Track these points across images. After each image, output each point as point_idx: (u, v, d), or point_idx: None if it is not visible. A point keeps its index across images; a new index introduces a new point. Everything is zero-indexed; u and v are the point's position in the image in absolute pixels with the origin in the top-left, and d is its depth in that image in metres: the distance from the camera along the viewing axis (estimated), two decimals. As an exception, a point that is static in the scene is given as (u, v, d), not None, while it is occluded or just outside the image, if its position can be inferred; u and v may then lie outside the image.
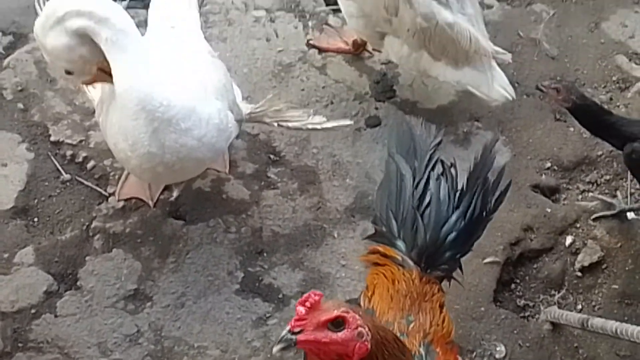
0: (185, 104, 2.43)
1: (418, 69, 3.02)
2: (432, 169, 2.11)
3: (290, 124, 2.84)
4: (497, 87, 2.95)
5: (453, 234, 2.09)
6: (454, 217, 2.08)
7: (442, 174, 2.11)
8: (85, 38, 2.30)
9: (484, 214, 2.15)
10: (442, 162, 2.16)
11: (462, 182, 2.13)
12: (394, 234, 2.15)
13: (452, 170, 2.14)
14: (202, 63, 2.66)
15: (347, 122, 2.94)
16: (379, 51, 3.20)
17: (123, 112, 2.39)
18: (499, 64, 3.00)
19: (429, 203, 2.09)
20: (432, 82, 3.26)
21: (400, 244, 2.14)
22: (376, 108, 3.25)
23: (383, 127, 3.20)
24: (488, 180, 2.12)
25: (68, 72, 2.42)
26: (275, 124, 2.86)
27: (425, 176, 2.09)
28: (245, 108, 2.82)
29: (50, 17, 2.28)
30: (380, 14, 2.86)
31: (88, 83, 2.53)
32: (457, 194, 2.11)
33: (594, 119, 2.73)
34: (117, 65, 2.31)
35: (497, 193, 2.17)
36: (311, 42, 3.40)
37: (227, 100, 2.63)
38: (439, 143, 2.17)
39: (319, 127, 2.85)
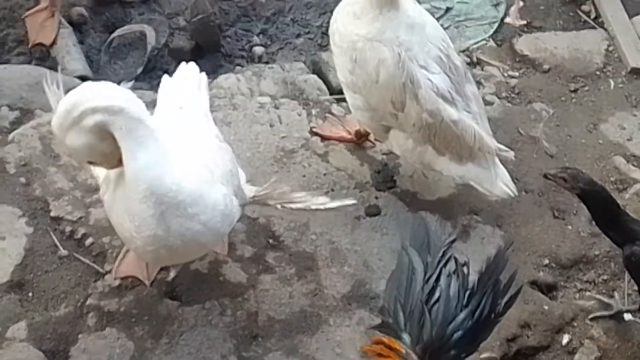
0: (194, 189, 2.45)
1: (422, 163, 3.06)
2: (445, 265, 2.12)
3: (293, 206, 2.85)
4: (500, 184, 3.00)
5: (459, 333, 2.09)
6: (461, 316, 2.09)
7: (454, 271, 2.12)
8: (104, 133, 2.30)
9: (493, 315, 2.16)
10: (455, 259, 2.17)
11: (473, 281, 2.14)
12: (400, 326, 2.15)
13: (464, 268, 2.15)
14: (209, 147, 2.69)
15: (351, 201, 2.96)
16: (381, 141, 3.25)
17: (131, 194, 2.40)
18: (500, 160, 3.05)
19: (438, 299, 2.10)
20: (432, 174, 3.30)
21: (405, 337, 2.14)
22: (376, 197, 3.28)
23: (382, 216, 3.22)
24: (499, 282, 2.13)
25: (90, 162, 2.45)
26: (279, 206, 2.87)
27: (437, 272, 2.11)
28: (249, 191, 2.84)
29: (66, 118, 2.27)
30: (386, 109, 2.92)
31: (110, 169, 2.54)
32: (467, 293, 2.12)
33: (602, 206, 2.76)
34: (128, 150, 2.31)
35: (508, 296, 2.18)
36: (314, 129, 3.46)
37: (232, 185, 2.65)
38: (454, 241, 2.19)
39: (322, 207, 2.86)
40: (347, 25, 2.88)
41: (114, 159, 2.40)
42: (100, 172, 2.77)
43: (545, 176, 2.84)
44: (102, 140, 2.31)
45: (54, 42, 3.81)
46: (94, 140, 2.30)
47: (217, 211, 2.52)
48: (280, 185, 2.88)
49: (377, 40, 2.83)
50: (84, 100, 2.26)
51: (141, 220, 2.42)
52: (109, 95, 2.28)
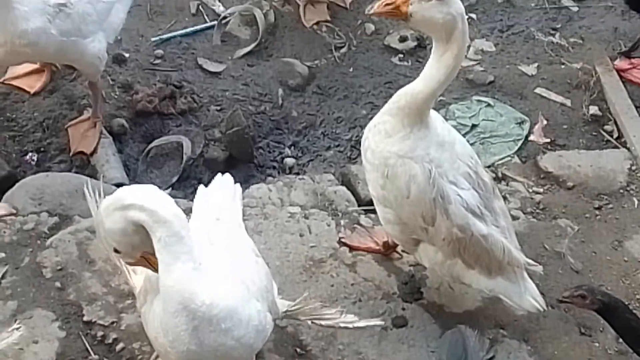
0: (228, 304, 2.48)
1: (451, 276, 3.10)
2: (481, 383, 2.13)
3: (323, 322, 2.93)
4: (529, 298, 3.02)
5: None
6: None
7: (489, 389, 2.13)
8: (140, 228, 2.40)
9: None
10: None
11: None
12: None
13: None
14: (246, 262, 2.74)
15: (378, 322, 3.05)
16: (409, 253, 3.30)
17: (165, 308, 2.46)
18: (528, 274, 3.09)
19: (472, 417, 2.09)
20: (459, 286, 3.32)
21: None
22: (403, 309, 3.30)
23: (409, 327, 3.24)
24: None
25: (116, 251, 2.51)
26: (310, 322, 2.94)
27: (472, 390, 2.11)
28: (282, 305, 2.90)
29: (117, 201, 2.40)
30: (417, 223, 2.98)
31: (130, 265, 2.63)
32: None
33: (624, 319, 2.76)
34: (164, 263, 2.39)
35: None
36: (343, 240, 3.52)
37: (266, 301, 2.70)
38: (491, 358, 2.20)
39: (350, 326, 2.95)
40: (378, 142, 2.97)
41: (137, 253, 2.49)
42: (137, 283, 2.85)
43: (561, 301, 2.87)
44: (135, 233, 2.42)
45: (94, 151, 3.96)
46: (128, 230, 2.40)
47: (251, 327, 2.56)
48: (311, 301, 2.96)
49: (408, 157, 2.91)
50: (139, 196, 2.39)
51: (175, 334, 2.46)
52: (160, 203, 2.39)
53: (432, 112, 3.00)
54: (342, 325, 2.94)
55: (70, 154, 4.00)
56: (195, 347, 2.47)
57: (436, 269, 3.13)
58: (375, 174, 3.02)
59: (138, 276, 2.88)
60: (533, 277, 3.17)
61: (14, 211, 2.22)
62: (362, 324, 2.97)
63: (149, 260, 2.49)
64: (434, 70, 2.82)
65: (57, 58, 3.95)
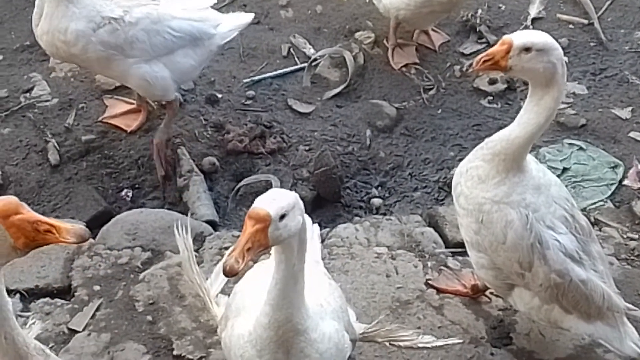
0: (314, 316, 2.57)
1: (549, 321, 3.03)
2: None
3: (401, 343, 2.97)
4: (629, 343, 2.94)
5: None
6: None
7: None
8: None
9: None
10: None
11: None
12: None
13: None
14: (319, 284, 2.78)
15: (457, 340, 3.08)
16: (502, 298, 3.25)
17: (261, 321, 2.50)
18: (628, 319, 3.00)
19: None
20: (550, 332, 3.25)
21: None
22: (492, 354, 3.24)
23: (499, 377, 3.18)
24: None
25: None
26: (387, 344, 2.98)
27: None
28: (359, 328, 2.94)
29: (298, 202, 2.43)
30: (512, 268, 2.93)
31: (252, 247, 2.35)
32: None
33: None
34: (285, 282, 2.41)
35: None
36: (430, 282, 3.50)
37: (342, 321, 2.73)
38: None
39: (429, 345, 2.99)
40: (472, 188, 2.94)
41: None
42: (218, 312, 2.94)
43: None
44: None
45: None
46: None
47: (332, 343, 2.61)
48: (386, 323, 2.99)
49: (504, 202, 2.88)
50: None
51: (262, 345, 2.51)
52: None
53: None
54: (420, 345, 2.97)
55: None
56: (282, 356, 2.53)
57: (532, 314, 3.06)
58: (468, 219, 2.99)
59: (220, 307, 2.99)
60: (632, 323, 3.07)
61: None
62: (440, 342, 2.98)
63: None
64: (532, 114, 2.80)
65: (102, 69, 4.05)
